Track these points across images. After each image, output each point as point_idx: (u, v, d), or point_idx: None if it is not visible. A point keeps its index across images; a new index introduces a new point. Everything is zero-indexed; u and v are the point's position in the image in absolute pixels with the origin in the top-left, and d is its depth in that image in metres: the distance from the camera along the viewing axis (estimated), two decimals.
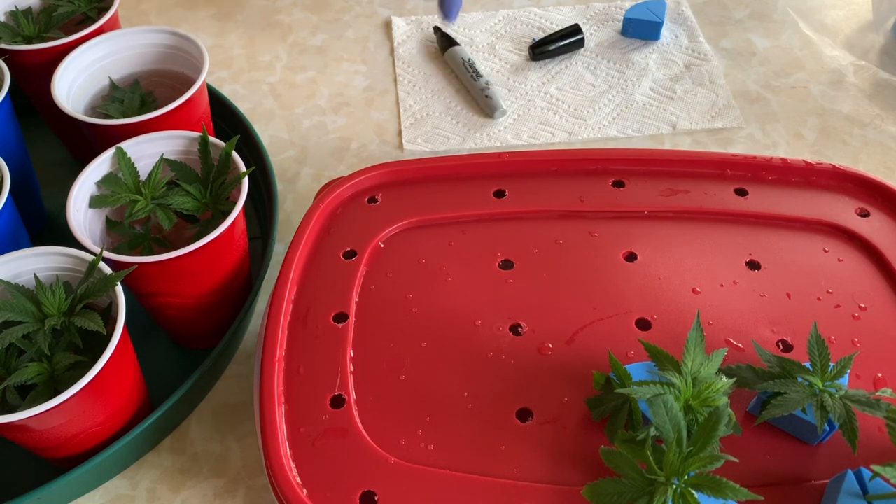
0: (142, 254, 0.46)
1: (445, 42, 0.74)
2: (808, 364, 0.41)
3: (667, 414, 0.36)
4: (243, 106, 0.71)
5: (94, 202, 0.49)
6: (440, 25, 0.76)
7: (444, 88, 0.72)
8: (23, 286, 0.44)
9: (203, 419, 0.52)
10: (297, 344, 0.45)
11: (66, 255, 0.45)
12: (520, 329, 0.46)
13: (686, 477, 0.35)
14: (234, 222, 0.46)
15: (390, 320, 0.46)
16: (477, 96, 0.70)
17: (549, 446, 0.41)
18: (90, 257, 0.44)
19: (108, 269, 0.44)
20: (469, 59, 0.71)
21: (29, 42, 0.58)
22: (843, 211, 0.51)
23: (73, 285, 0.45)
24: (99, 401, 0.43)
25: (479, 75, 0.70)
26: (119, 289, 0.43)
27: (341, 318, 0.46)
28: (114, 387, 0.44)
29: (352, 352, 0.45)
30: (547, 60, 0.74)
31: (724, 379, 0.38)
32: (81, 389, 0.40)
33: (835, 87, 0.72)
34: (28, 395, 0.42)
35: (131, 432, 0.46)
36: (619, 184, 0.53)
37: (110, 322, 0.43)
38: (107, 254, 0.44)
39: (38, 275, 0.44)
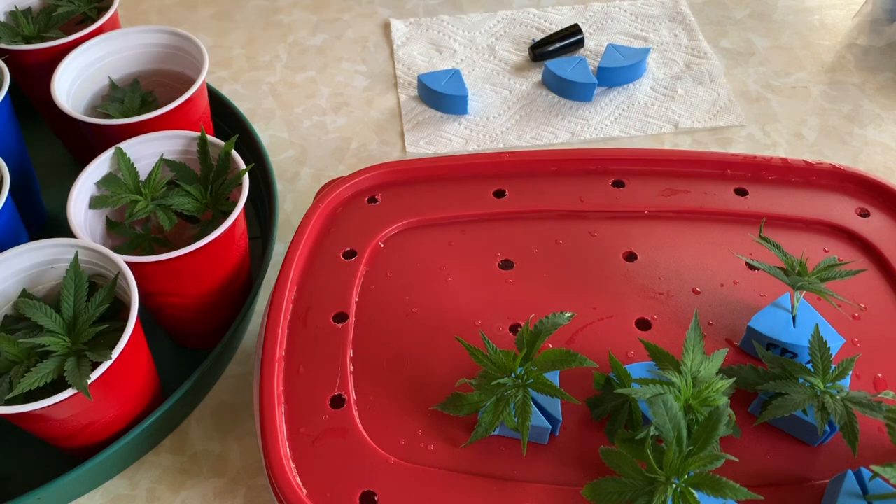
0: (142, 254, 0.46)
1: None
2: (809, 365, 0.41)
3: (667, 413, 0.36)
4: (243, 106, 0.71)
5: (95, 203, 0.49)
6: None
7: None
8: (41, 304, 0.44)
9: (203, 419, 0.52)
10: (297, 344, 0.45)
11: (74, 246, 0.45)
12: (520, 329, 0.45)
13: (686, 476, 0.35)
14: (234, 222, 0.46)
15: (390, 320, 0.46)
16: None
17: (549, 446, 0.41)
18: (99, 247, 0.44)
19: (122, 263, 0.44)
20: None
21: (29, 42, 0.58)
22: (843, 211, 0.51)
23: (84, 276, 0.45)
24: (112, 392, 0.43)
25: None
26: (131, 278, 0.43)
27: (341, 318, 0.46)
28: (127, 378, 0.44)
29: (352, 352, 0.45)
30: (547, 61, 0.74)
31: (724, 379, 0.38)
32: (95, 380, 0.40)
33: (835, 87, 0.72)
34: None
35: (131, 432, 0.46)
36: (619, 184, 0.53)
37: (123, 310, 0.44)
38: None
39: (52, 266, 0.45)
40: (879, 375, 0.43)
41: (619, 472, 0.36)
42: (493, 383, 0.40)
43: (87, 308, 0.43)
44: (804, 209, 0.51)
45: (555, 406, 0.41)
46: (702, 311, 0.46)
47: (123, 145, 0.50)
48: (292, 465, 0.40)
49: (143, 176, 0.50)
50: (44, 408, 0.39)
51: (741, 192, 0.52)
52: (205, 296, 0.49)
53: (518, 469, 0.40)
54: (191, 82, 0.54)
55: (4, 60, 0.55)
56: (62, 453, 0.48)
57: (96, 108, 0.57)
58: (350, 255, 0.49)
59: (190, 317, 0.51)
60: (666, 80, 0.72)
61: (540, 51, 0.73)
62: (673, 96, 0.70)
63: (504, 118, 0.69)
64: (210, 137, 0.50)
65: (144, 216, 0.49)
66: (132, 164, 0.49)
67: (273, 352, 0.44)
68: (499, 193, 0.52)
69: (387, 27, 0.78)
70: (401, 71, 0.73)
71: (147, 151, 0.51)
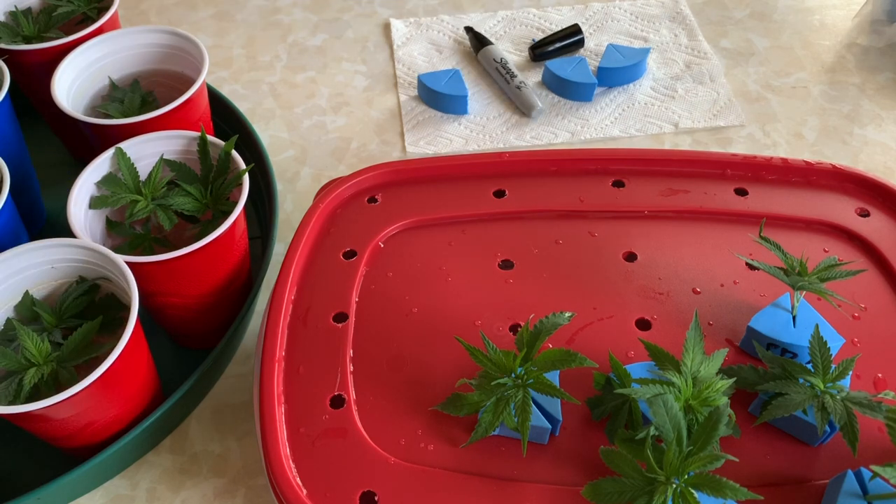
0: (142, 254, 0.46)
1: (478, 42, 0.74)
2: (809, 365, 0.41)
3: (667, 413, 0.36)
4: (243, 106, 0.71)
5: (95, 203, 0.49)
6: (471, 25, 0.76)
7: None
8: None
9: (203, 419, 0.52)
10: (297, 344, 0.45)
11: (71, 245, 0.45)
12: (520, 329, 0.45)
13: (686, 476, 0.35)
14: (234, 222, 0.46)
15: (390, 320, 0.46)
16: (512, 96, 0.70)
17: (549, 446, 0.41)
18: (99, 247, 0.44)
19: (122, 263, 0.44)
20: (502, 59, 0.71)
21: (29, 42, 0.58)
22: (843, 211, 0.51)
23: (84, 276, 0.45)
24: (112, 392, 0.43)
25: (513, 75, 0.70)
26: (131, 278, 0.43)
27: (341, 318, 0.46)
28: (127, 378, 0.44)
29: (352, 352, 0.45)
30: (547, 61, 0.74)
31: (724, 379, 0.38)
32: (95, 380, 0.40)
33: (835, 87, 0.72)
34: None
35: (131, 432, 0.46)
36: (619, 184, 0.53)
37: (123, 310, 0.44)
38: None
39: (53, 266, 0.45)
40: (879, 375, 0.43)
41: (619, 472, 0.36)
42: (493, 383, 0.40)
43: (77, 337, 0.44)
44: (804, 209, 0.51)
45: (555, 406, 0.41)
46: (702, 311, 0.46)
47: (123, 145, 0.50)
48: (292, 465, 0.40)
49: (143, 176, 0.50)
50: (44, 408, 0.39)
51: (741, 192, 0.52)
52: (205, 296, 0.49)
53: (518, 469, 0.40)
54: (191, 82, 0.54)
55: (4, 60, 0.55)
56: (62, 453, 0.48)
57: (96, 108, 0.57)
58: (350, 255, 0.49)
59: (190, 317, 0.51)
60: (666, 80, 0.72)
61: (540, 51, 0.73)
62: (673, 96, 0.70)
63: (504, 118, 0.69)
64: (210, 137, 0.50)
65: (144, 216, 0.49)
66: (132, 164, 0.49)
67: (273, 352, 0.44)
68: (499, 193, 0.52)
69: (387, 27, 0.78)
70: (401, 71, 0.73)
71: (147, 151, 0.51)
